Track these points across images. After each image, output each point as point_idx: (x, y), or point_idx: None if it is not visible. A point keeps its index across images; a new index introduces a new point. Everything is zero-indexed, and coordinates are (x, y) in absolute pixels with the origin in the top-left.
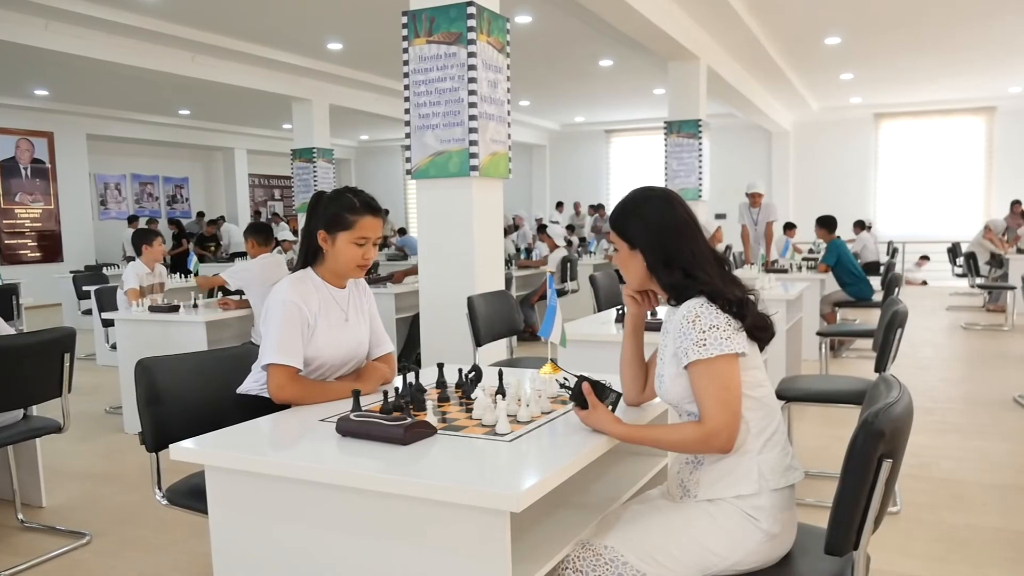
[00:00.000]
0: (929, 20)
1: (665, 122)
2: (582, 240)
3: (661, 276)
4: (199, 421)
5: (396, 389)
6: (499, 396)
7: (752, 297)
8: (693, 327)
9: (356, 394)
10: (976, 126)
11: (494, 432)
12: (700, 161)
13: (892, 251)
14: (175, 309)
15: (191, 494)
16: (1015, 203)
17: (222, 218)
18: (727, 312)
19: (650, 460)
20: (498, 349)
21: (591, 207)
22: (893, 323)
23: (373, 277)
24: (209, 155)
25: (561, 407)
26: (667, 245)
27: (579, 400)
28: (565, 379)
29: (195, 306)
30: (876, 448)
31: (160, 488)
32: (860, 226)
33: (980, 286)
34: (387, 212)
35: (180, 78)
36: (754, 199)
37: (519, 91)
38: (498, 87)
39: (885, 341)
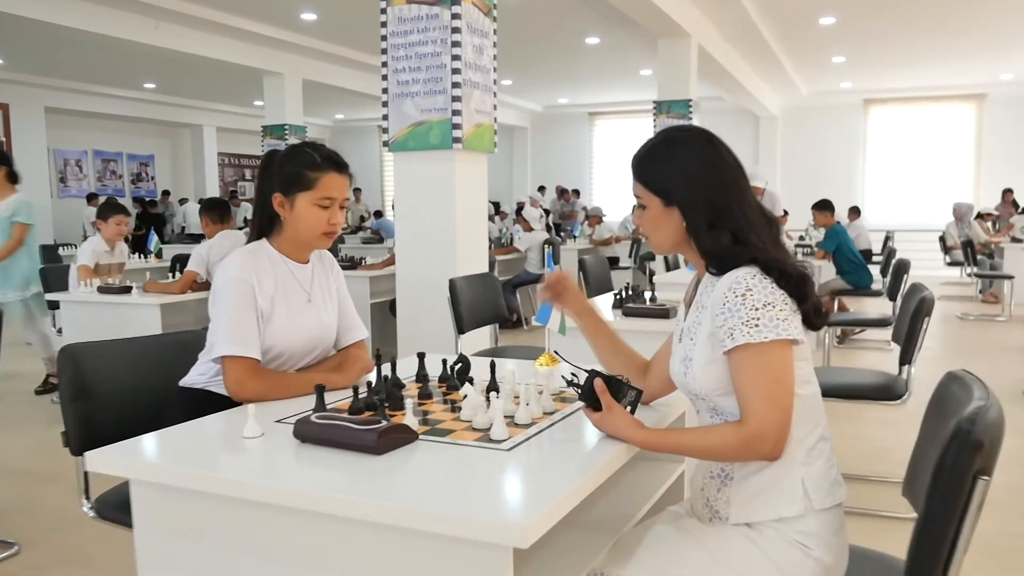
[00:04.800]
0: (925, 1)
1: (654, 102)
2: (558, 226)
3: (704, 241)
4: (136, 419)
5: (369, 384)
6: (492, 393)
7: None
8: (743, 303)
9: (320, 390)
10: (966, 113)
11: (488, 438)
12: None
13: (885, 239)
14: (127, 290)
15: (126, 506)
16: (1007, 192)
17: (166, 192)
18: (783, 288)
19: (667, 466)
20: (481, 337)
21: (558, 189)
22: (920, 311)
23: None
24: (176, 132)
25: (565, 406)
26: (713, 201)
27: (590, 400)
28: (573, 375)
29: None
30: (972, 463)
31: (88, 498)
32: (855, 212)
33: (977, 275)
34: (359, 191)
35: (143, 47)
36: (754, 191)
37: (501, 70)
38: (484, 53)
39: (911, 331)
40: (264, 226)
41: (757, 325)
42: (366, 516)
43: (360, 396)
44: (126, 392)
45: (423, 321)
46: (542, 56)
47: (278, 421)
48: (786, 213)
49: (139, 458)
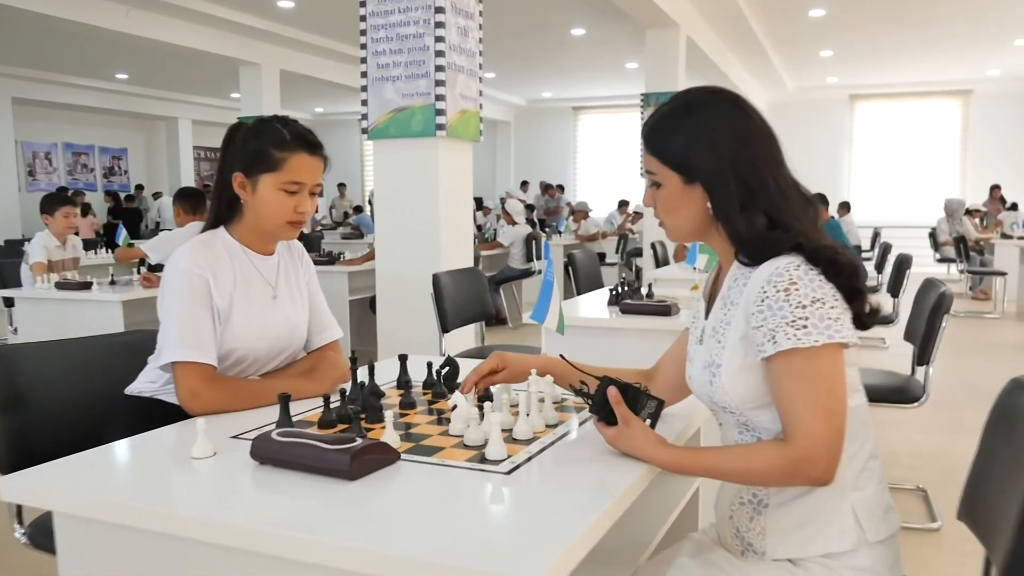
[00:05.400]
0: None
1: (642, 94)
2: (543, 222)
3: (737, 225)
4: (76, 432)
5: (343, 392)
6: (486, 403)
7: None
8: (787, 299)
9: (284, 400)
10: (952, 109)
11: (482, 457)
12: None
13: (874, 234)
14: (87, 286)
15: None
16: (994, 188)
17: (140, 187)
18: (831, 281)
19: (679, 484)
20: (465, 337)
21: (542, 185)
22: (939, 309)
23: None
24: (150, 124)
25: (570, 416)
26: (746, 177)
27: (604, 412)
28: (583, 383)
29: (112, 283)
30: None
31: (21, 521)
32: (845, 208)
33: (970, 271)
34: (344, 186)
35: (114, 35)
36: None
37: (484, 63)
38: (469, 36)
39: (929, 329)
40: (223, 211)
41: (805, 326)
42: (334, 562)
43: (332, 406)
44: (65, 401)
45: (405, 319)
46: (526, 48)
47: (235, 437)
48: None
49: (62, 485)
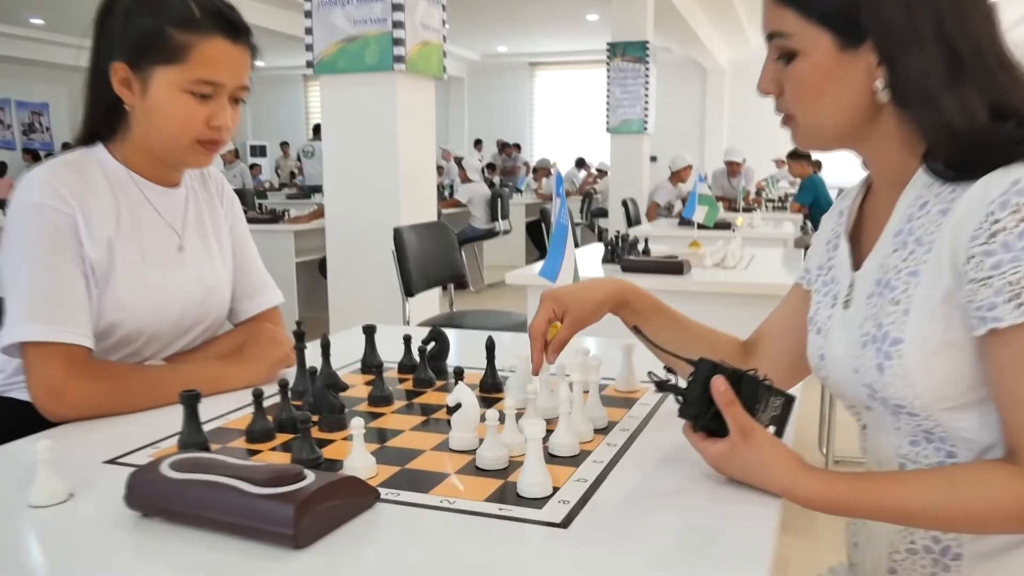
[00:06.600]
0: None
1: (608, 44)
2: (500, 182)
3: (945, 109)
4: None
5: (284, 384)
6: (506, 400)
7: None
8: None
9: (188, 402)
10: None
11: (511, 493)
12: (646, 89)
13: (840, 192)
14: None
15: None
16: None
17: (67, 145)
18: None
19: None
20: (430, 302)
21: (499, 144)
22: None
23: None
24: (73, 76)
25: (621, 413)
26: (954, 36)
27: (704, 416)
28: (668, 371)
29: None
30: None
31: None
32: (817, 166)
33: None
34: (287, 145)
35: None
36: (732, 168)
37: None
38: None
39: None
40: (99, 120)
41: None
42: None
43: (267, 405)
44: None
45: (360, 282)
46: None
47: (110, 462)
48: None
49: None
